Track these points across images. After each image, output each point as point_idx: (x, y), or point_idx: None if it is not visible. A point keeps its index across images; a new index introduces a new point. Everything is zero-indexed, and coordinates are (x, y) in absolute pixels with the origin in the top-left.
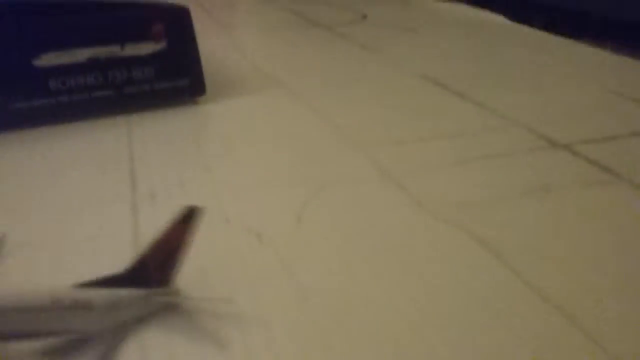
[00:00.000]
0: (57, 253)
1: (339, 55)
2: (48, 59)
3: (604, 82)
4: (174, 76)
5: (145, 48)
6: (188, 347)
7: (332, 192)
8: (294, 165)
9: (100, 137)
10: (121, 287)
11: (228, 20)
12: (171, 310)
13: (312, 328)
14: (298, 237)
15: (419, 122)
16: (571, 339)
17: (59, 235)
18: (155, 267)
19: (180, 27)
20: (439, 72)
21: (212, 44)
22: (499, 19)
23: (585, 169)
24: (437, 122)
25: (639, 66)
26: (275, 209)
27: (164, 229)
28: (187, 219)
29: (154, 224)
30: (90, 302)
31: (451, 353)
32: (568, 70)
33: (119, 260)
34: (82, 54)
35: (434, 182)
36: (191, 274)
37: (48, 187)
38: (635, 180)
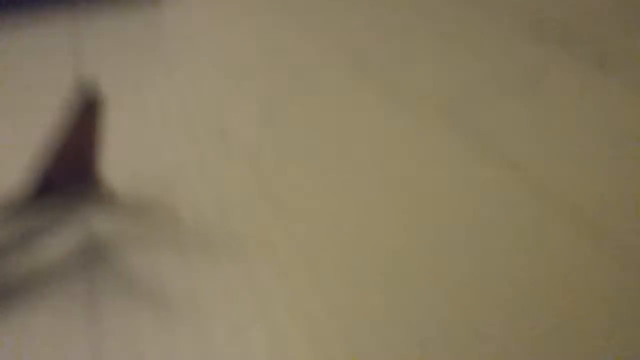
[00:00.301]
0: None
1: None
2: None
3: None
4: None
5: None
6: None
7: (303, 85)
8: (259, 59)
9: (46, 35)
10: (30, 200)
11: None
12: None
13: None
14: (266, 135)
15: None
16: (566, 228)
17: None
18: (63, 169)
19: None
20: None
21: None
22: None
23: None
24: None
25: None
26: (241, 105)
27: (59, 126)
28: (86, 103)
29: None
30: None
31: (444, 241)
32: None
33: None
34: None
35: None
36: (142, 178)
37: None
38: None
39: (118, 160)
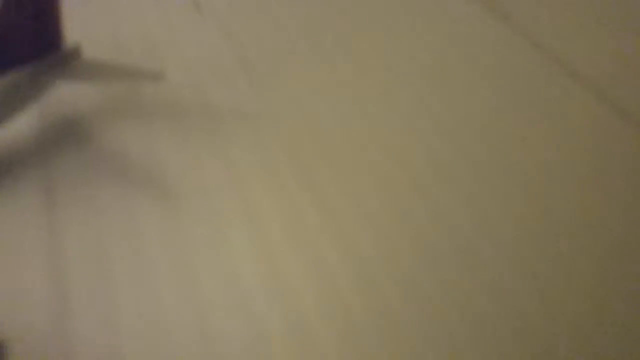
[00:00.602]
0: None
1: None
2: None
3: None
4: None
5: None
6: None
7: None
8: None
9: None
10: None
11: None
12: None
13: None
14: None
15: None
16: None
17: None
18: (21, 35)
19: None
20: None
21: None
22: None
23: None
24: None
25: None
26: None
27: None
28: None
29: None
30: None
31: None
32: None
33: None
34: None
35: None
36: (115, 51)
37: None
38: None
39: (91, 26)
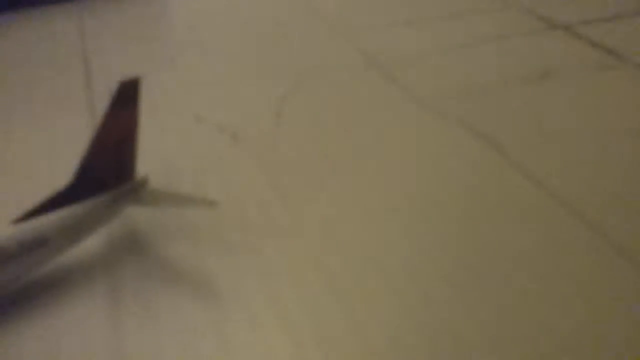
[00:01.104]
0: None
1: None
2: None
3: None
4: None
5: None
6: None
7: (313, 84)
8: (270, 54)
9: (53, 29)
10: (72, 202)
11: None
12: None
13: (300, 240)
14: (277, 136)
15: (405, 6)
16: (573, 230)
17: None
18: (105, 165)
19: None
20: None
21: None
22: None
23: (588, 52)
24: (424, 5)
25: None
26: (251, 104)
27: (101, 120)
28: (127, 97)
29: None
30: (42, 237)
31: (451, 244)
32: None
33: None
34: None
35: (426, 70)
36: (161, 181)
37: None
38: None
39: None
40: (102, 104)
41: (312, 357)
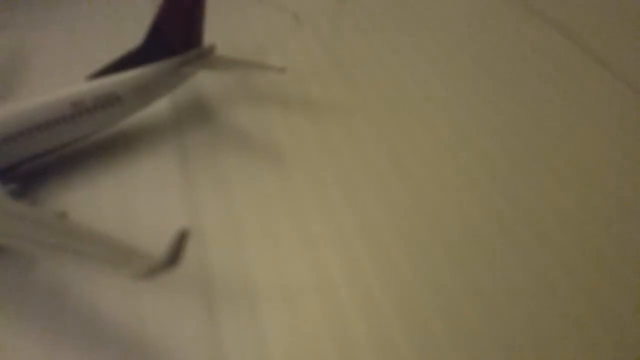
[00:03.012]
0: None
1: None
2: None
3: None
4: None
5: None
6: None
7: None
8: None
9: None
10: (143, 64)
11: None
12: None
13: (359, 113)
14: (339, 16)
15: None
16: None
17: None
18: (175, 30)
19: None
20: None
21: None
22: None
23: None
24: None
25: None
26: None
27: None
28: None
29: None
30: (115, 94)
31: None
32: None
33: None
34: None
35: None
36: (233, 52)
37: None
38: None
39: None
40: None
41: (376, 224)
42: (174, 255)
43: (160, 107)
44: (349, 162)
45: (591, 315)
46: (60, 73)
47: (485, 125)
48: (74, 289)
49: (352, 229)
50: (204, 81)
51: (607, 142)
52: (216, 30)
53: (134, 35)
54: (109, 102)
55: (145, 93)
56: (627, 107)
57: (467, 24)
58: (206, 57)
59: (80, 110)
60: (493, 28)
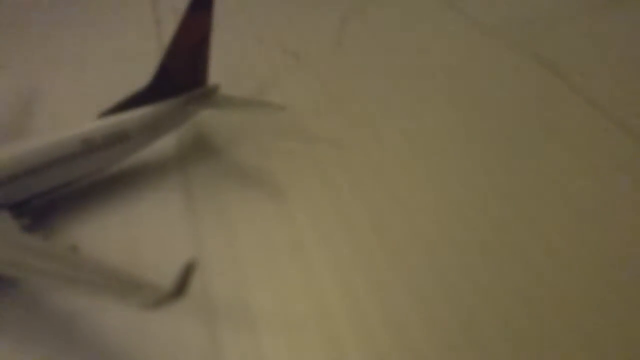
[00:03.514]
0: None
1: None
2: None
3: None
4: None
5: None
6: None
7: (374, 9)
8: None
9: None
10: (151, 102)
11: None
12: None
13: (356, 149)
14: (338, 57)
15: None
16: (622, 146)
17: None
18: (181, 69)
19: None
20: None
21: None
22: None
23: None
24: None
25: None
26: (313, 29)
27: (179, 26)
28: (201, 3)
29: None
30: (124, 132)
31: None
32: None
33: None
34: None
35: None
36: (234, 89)
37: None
38: None
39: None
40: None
41: (373, 256)
42: (181, 285)
43: (165, 144)
44: (347, 196)
45: None
46: (70, 111)
47: (481, 162)
48: (82, 319)
49: (351, 260)
50: (208, 119)
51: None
52: (219, 69)
53: (142, 75)
54: (118, 140)
55: (153, 130)
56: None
57: (466, 68)
58: (211, 96)
59: (91, 147)
60: (494, 73)
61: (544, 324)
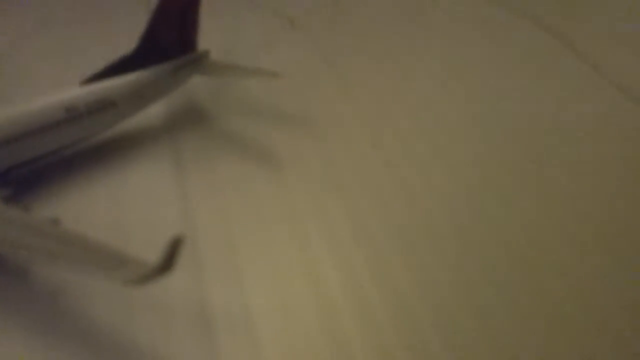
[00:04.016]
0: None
1: None
2: None
3: None
4: None
5: None
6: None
7: None
8: None
9: None
10: (137, 68)
11: None
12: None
13: (354, 120)
14: (335, 22)
15: None
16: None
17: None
18: (169, 34)
19: None
20: None
21: None
22: None
23: None
24: None
25: None
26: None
27: None
28: None
29: None
30: (109, 99)
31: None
32: None
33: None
34: None
35: None
36: (225, 56)
37: None
38: None
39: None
40: None
41: (374, 234)
42: (168, 261)
43: (154, 112)
44: (345, 169)
45: None
46: (53, 77)
47: (474, 128)
48: (68, 300)
49: (347, 235)
50: (198, 86)
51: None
52: (210, 35)
53: (128, 41)
54: (103, 107)
55: (140, 98)
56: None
57: (470, 36)
58: (200, 62)
59: (74, 115)
60: (492, 36)
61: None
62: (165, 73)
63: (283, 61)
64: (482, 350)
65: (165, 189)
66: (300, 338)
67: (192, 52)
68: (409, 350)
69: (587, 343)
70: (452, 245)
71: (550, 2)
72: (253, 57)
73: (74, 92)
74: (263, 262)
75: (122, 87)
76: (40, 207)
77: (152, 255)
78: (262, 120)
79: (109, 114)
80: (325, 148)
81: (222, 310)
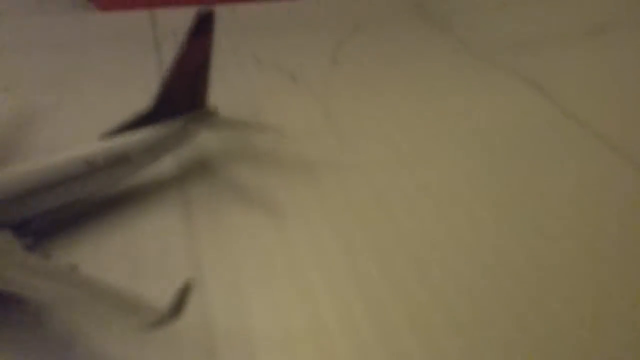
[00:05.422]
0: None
1: None
2: None
3: None
4: None
5: None
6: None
7: (368, 32)
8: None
9: None
10: (152, 124)
11: None
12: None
13: (354, 170)
14: (334, 77)
15: None
16: (618, 170)
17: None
18: (182, 92)
19: None
20: None
21: None
22: None
23: None
24: None
25: None
26: (309, 50)
27: (180, 49)
28: (203, 27)
29: None
30: (125, 154)
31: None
32: None
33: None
34: None
35: (481, 22)
36: (226, 113)
37: None
38: None
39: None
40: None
41: (371, 277)
42: (177, 307)
43: (165, 164)
44: (344, 217)
45: None
46: (70, 132)
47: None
48: (81, 339)
49: (348, 281)
50: (206, 141)
51: None
52: (217, 90)
53: (142, 97)
54: (120, 161)
55: (153, 152)
56: None
57: (466, 95)
58: (210, 118)
59: (93, 168)
60: (483, 96)
61: None
62: (177, 128)
63: (286, 115)
64: None
65: (175, 236)
66: None
67: (202, 108)
68: None
69: None
70: (455, 296)
71: (536, 60)
72: (257, 111)
73: (94, 147)
74: (267, 303)
75: (138, 141)
76: (59, 254)
77: (164, 299)
78: (266, 172)
79: (125, 168)
80: (325, 197)
81: (227, 343)
